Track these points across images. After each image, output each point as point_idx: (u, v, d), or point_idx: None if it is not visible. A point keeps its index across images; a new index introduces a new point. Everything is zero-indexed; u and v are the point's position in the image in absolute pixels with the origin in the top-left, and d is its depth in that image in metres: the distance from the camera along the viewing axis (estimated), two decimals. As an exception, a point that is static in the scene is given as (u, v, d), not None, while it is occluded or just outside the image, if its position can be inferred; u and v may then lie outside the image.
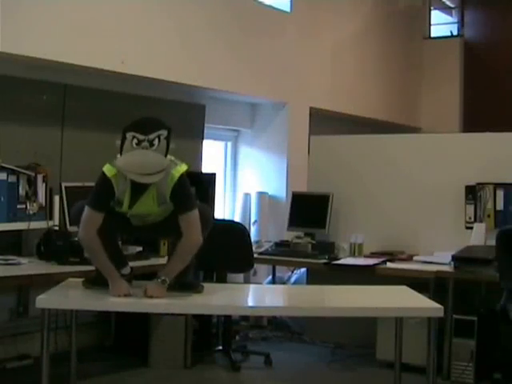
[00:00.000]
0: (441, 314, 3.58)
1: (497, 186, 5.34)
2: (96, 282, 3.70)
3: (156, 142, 3.40)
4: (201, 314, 4.91)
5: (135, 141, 3.39)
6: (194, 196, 3.66)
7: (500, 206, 5.32)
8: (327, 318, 4.93)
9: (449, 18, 10.20)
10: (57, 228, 4.80)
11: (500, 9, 9.43)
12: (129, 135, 3.40)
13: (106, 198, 3.54)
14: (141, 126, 3.42)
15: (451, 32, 9.97)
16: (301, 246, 5.65)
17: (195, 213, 3.57)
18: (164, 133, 3.43)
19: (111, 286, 3.56)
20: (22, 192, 4.64)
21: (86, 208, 3.54)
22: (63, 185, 4.91)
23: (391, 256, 5.39)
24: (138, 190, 3.54)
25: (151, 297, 3.50)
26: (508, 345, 4.85)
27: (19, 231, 4.72)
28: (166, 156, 3.45)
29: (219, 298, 3.76)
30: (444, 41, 9.82)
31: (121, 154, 3.43)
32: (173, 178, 3.51)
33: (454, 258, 4.92)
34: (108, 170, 3.52)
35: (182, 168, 3.58)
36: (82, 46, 4.95)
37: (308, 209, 5.93)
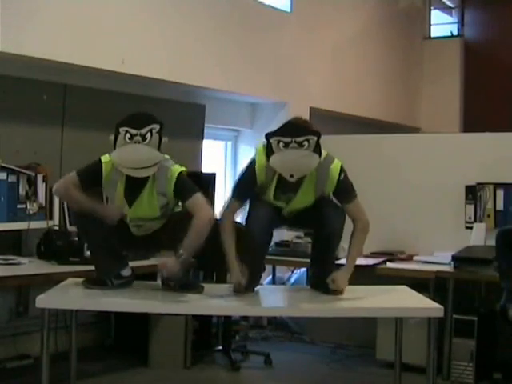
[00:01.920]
0: (441, 314, 3.58)
1: (497, 185, 5.34)
2: (96, 282, 3.70)
3: (148, 136, 3.44)
4: (201, 314, 4.91)
5: (128, 135, 3.43)
6: (194, 185, 3.67)
7: (500, 206, 5.32)
8: (327, 318, 4.93)
9: (449, 18, 10.21)
10: (57, 228, 4.80)
11: (500, 9, 9.43)
12: (122, 130, 3.44)
13: (91, 175, 3.61)
14: (133, 121, 3.46)
15: (451, 32, 9.97)
16: (301, 246, 5.65)
17: (199, 195, 3.60)
18: (156, 127, 3.46)
19: (102, 213, 3.58)
20: (22, 192, 4.64)
21: (72, 173, 3.64)
22: (63, 185, 4.91)
23: (391, 256, 5.39)
24: (133, 188, 3.55)
25: (163, 266, 3.53)
26: (508, 345, 4.86)
27: (19, 231, 4.72)
28: (159, 149, 3.48)
29: (219, 298, 3.76)
30: (444, 41, 9.82)
31: (114, 149, 3.47)
32: (173, 174, 3.55)
33: (453, 258, 4.92)
34: (104, 156, 3.61)
35: (181, 168, 3.61)
36: (82, 45, 4.95)
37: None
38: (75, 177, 3.62)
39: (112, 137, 3.47)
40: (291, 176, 3.52)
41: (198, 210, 3.56)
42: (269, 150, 3.57)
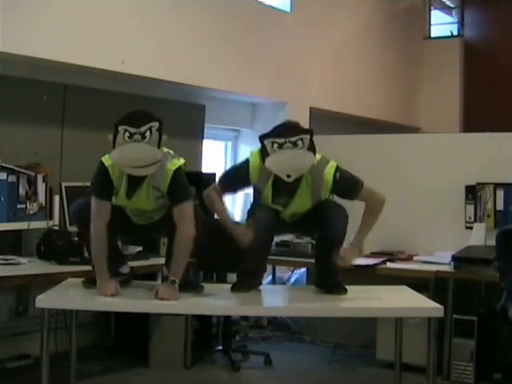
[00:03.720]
0: (441, 314, 3.58)
1: (497, 185, 5.34)
2: (96, 281, 3.69)
3: (148, 134, 3.42)
4: (201, 314, 4.91)
5: (127, 134, 3.41)
6: (189, 189, 3.67)
7: (500, 206, 5.32)
8: (327, 318, 4.93)
9: (449, 18, 10.21)
10: (57, 228, 4.80)
11: (500, 9, 9.43)
12: (121, 129, 3.43)
13: (107, 186, 3.57)
14: (132, 120, 3.45)
15: (451, 32, 9.98)
16: (301, 246, 5.65)
17: (188, 204, 3.59)
18: (155, 125, 3.45)
19: (99, 285, 3.57)
20: (22, 192, 4.63)
21: (92, 199, 3.58)
22: (63, 185, 4.91)
23: (391, 256, 5.39)
24: (134, 182, 3.56)
25: (162, 299, 3.50)
26: (508, 345, 4.85)
27: (19, 231, 4.72)
28: (159, 147, 3.47)
29: (219, 298, 3.76)
30: (444, 41, 9.82)
31: (114, 148, 3.45)
32: (168, 172, 3.54)
33: (453, 258, 4.92)
34: (106, 159, 3.57)
35: (179, 162, 3.61)
36: (82, 45, 4.95)
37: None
38: (99, 203, 3.55)
39: (111, 136, 3.45)
40: (288, 176, 3.53)
41: (181, 223, 3.55)
42: (263, 153, 3.58)
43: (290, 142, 3.52)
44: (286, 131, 3.57)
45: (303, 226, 3.90)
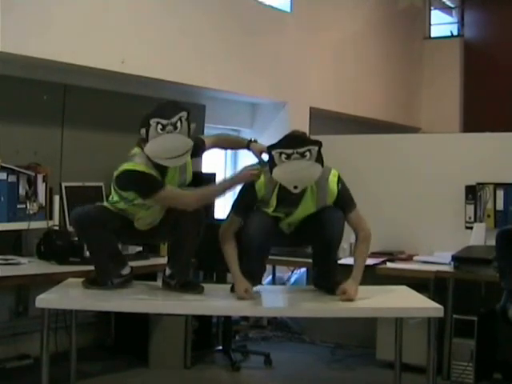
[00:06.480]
0: (441, 314, 3.58)
1: (497, 185, 5.34)
2: (96, 282, 3.70)
3: (179, 124, 3.50)
4: (201, 314, 4.91)
5: (160, 126, 3.48)
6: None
7: (500, 206, 5.32)
8: (327, 318, 4.92)
9: (449, 18, 10.22)
10: (57, 228, 4.80)
11: (500, 9, 9.44)
12: (152, 122, 3.48)
13: (153, 180, 3.57)
14: (162, 112, 3.51)
15: (451, 32, 9.99)
16: (301, 246, 5.65)
17: (159, 193, 3.55)
18: (184, 114, 3.54)
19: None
20: (22, 192, 4.63)
21: (158, 193, 3.54)
22: (63, 185, 4.91)
23: (391, 256, 5.39)
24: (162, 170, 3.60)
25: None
26: (508, 345, 4.86)
27: (19, 231, 4.72)
28: (188, 136, 3.55)
29: (219, 298, 3.76)
30: (444, 41, 9.84)
31: (147, 141, 3.49)
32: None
33: (453, 258, 4.92)
34: (137, 165, 3.54)
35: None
36: (82, 46, 4.95)
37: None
38: (162, 191, 3.55)
39: (143, 130, 3.49)
40: (295, 187, 3.53)
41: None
42: (271, 163, 3.57)
43: (297, 152, 3.51)
44: (294, 142, 3.56)
45: (300, 234, 3.87)
